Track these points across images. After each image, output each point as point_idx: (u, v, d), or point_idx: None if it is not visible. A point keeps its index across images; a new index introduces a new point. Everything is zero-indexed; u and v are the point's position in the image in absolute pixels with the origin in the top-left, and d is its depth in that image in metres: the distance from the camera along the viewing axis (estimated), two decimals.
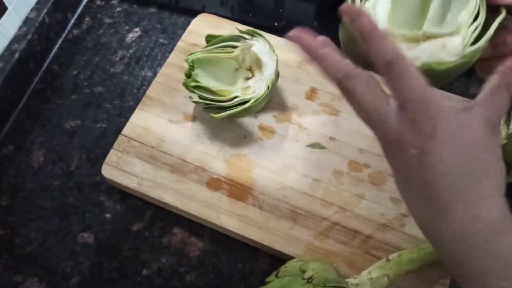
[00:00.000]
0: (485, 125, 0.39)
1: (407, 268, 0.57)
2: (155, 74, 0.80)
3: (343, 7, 0.41)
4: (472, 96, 0.58)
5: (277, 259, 0.65)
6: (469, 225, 0.38)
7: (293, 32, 0.42)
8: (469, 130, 0.39)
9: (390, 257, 0.58)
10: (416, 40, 0.44)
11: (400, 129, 0.38)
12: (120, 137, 0.73)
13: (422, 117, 0.37)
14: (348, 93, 0.40)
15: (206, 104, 0.69)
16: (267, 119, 0.74)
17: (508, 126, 0.62)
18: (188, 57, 0.71)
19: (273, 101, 0.75)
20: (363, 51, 0.40)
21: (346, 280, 0.56)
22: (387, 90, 0.40)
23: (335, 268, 0.57)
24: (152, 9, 0.89)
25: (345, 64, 0.40)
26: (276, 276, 0.57)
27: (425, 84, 0.38)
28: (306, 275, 0.54)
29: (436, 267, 0.61)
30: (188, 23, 0.83)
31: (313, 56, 0.41)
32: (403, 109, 0.38)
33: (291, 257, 0.62)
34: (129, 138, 0.72)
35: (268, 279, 0.58)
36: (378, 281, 0.56)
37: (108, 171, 0.70)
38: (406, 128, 0.38)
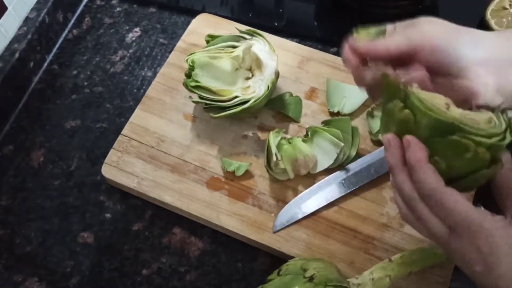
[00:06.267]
0: None
1: (409, 269, 0.57)
2: (155, 74, 0.80)
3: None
4: None
5: (276, 259, 0.65)
6: None
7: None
8: None
9: (393, 258, 0.58)
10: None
11: (461, 249, 0.44)
12: (120, 137, 0.73)
13: (476, 240, 0.43)
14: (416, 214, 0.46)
15: (206, 104, 0.69)
16: (267, 119, 0.74)
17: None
18: (188, 57, 0.70)
19: (273, 101, 0.75)
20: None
21: (348, 280, 0.56)
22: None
23: (336, 268, 0.57)
24: (152, 9, 0.89)
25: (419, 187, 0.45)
26: (278, 274, 0.57)
27: (464, 207, 0.43)
28: (308, 274, 0.54)
29: (437, 267, 0.61)
30: (188, 23, 0.83)
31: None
32: (453, 231, 0.44)
33: (291, 257, 0.62)
34: (129, 138, 0.72)
35: (269, 277, 0.58)
36: (380, 281, 0.56)
37: (108, 171, 0.70)
38: (468, 248, 0.43)
